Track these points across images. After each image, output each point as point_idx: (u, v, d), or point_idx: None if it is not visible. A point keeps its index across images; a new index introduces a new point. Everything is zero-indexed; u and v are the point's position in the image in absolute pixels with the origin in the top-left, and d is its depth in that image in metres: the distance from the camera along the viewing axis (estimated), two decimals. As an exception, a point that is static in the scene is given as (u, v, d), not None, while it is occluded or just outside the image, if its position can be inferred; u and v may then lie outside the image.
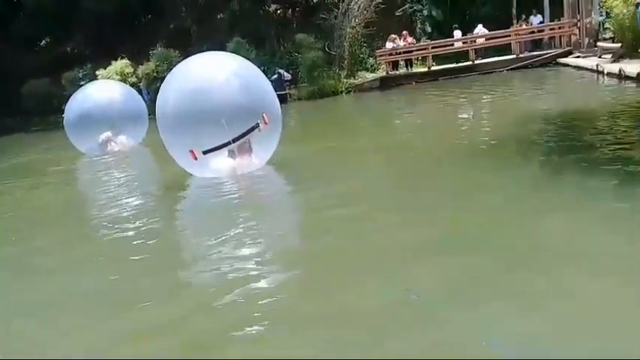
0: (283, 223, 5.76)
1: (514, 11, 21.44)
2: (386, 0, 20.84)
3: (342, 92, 19.76)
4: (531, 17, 21.16)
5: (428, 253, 4.14)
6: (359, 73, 21.19)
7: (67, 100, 13.15)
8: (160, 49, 21.84)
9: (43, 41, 27.05)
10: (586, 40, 17.84)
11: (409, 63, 21.20)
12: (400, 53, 20.83)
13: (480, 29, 20.78)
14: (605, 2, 15.03)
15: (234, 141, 7.05)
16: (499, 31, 20.28)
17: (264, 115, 7.09)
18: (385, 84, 19.82)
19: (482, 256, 3.92)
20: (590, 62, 15.02)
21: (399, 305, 3.43)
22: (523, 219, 4.60)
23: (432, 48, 20.57)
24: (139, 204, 7.25)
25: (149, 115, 11.90)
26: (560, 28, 19.53)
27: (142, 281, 4.42)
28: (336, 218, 5.27)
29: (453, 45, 20.81)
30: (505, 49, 20.27)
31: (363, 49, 21.75)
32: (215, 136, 6.99)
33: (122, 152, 12.01)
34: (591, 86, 13.48)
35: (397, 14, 23.31)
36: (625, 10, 13.91)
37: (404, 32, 21.19)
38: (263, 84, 7.75)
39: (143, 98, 14.16)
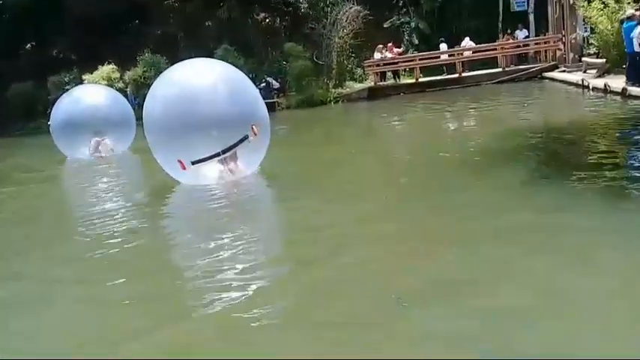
0: (270, 229, 5.75)
1: (500, 25, 21.76)
2: (374, 12, 21.03)
3: (330, 102, 19.84)
4: (517, 32, 21.51)
5: (418, 260, 4.15)
6: (347, 83, 21.30)
7: (53, 104, 13.00)
8: (147, 54, 21.75)
9: (28, 45, 26.79)
10: (571, 55, 18.12)
11: (397, 74, 21.38)
12: (388, 64, 21.01)
13: (467, 42, 21.07)
14: (590, 19, 15.22)
15: (223, 152, 7.03)
16: (485, 45, 20.63)
17: (253, 126, 7.06)
18: (373, 94, 19.93)
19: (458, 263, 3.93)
20: (576, 77, 15.22)
21: (391, 313, 3.41)
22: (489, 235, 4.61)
23: (419, 60, 20.75)
24: (124, 210, 7.13)
25: (136, 120, 11.78)
26: (545, 42, 19.85)
27: (125, 287, 4.35)
28: (323, 225, 5.27)
29: (439, 57, 21.08)
30: (491, 62, 20.55)
31: (350, 60, 21.87)
32: (203, 145, 6.93)
33: (109, 158, 11.85)
34: (577, 100, 13.64)
35: (385, 26, 23.53)
36: (610, 27, 14.09)
37: (389, 44, 21.40)
38: (252, 93, 7.70)
39: (130, 104, 14.02)
